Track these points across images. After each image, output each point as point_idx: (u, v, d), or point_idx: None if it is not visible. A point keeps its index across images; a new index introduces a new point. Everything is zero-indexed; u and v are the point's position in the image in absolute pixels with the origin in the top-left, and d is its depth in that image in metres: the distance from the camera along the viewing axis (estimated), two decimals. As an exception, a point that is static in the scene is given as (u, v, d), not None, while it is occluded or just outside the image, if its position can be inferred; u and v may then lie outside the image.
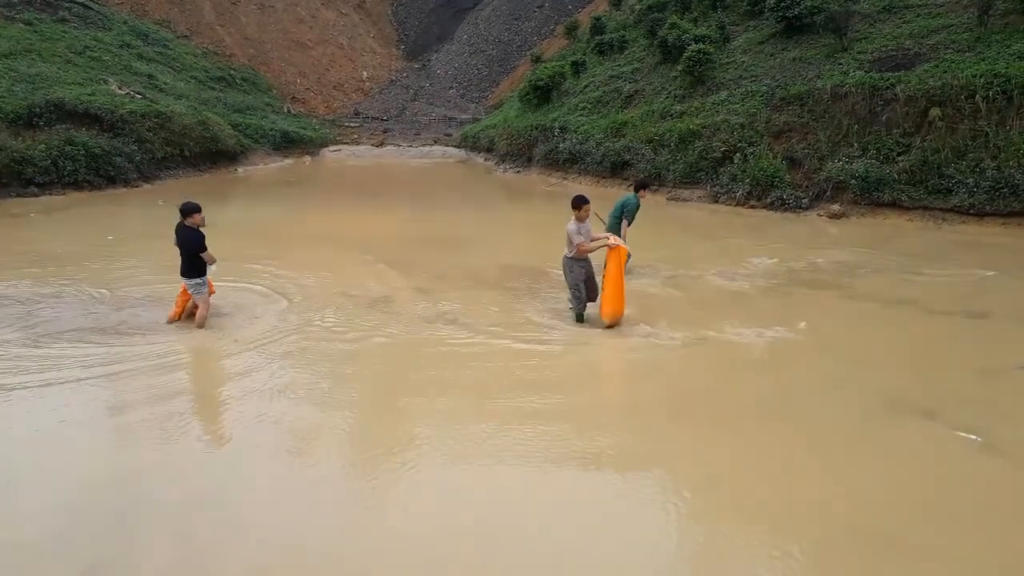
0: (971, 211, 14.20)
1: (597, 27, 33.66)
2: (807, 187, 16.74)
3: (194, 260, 7.73)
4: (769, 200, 16.95)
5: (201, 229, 7.76)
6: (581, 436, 5.37)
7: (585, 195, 7.94)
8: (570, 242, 7.79)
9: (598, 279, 8.17)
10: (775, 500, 4.50)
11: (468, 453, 5.11)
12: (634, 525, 4.30)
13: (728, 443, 5.32)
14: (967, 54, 16.23)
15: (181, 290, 7.96)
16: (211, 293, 8.08)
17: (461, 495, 4.58)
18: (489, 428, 5.46)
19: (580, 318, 7.98)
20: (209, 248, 7.72)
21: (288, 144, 33.10)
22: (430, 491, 4.63)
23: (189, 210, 7.76)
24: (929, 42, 17.40)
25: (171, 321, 7.95)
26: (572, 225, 7.80)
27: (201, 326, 7.78)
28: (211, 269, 7.94)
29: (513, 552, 3.99)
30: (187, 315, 8.00)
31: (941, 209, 14.67)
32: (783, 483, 4.72)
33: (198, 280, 7.78)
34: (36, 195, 18.71)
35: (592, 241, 7.91)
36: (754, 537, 4.14)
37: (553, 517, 4.34)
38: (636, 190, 10.37)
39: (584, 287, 7.95)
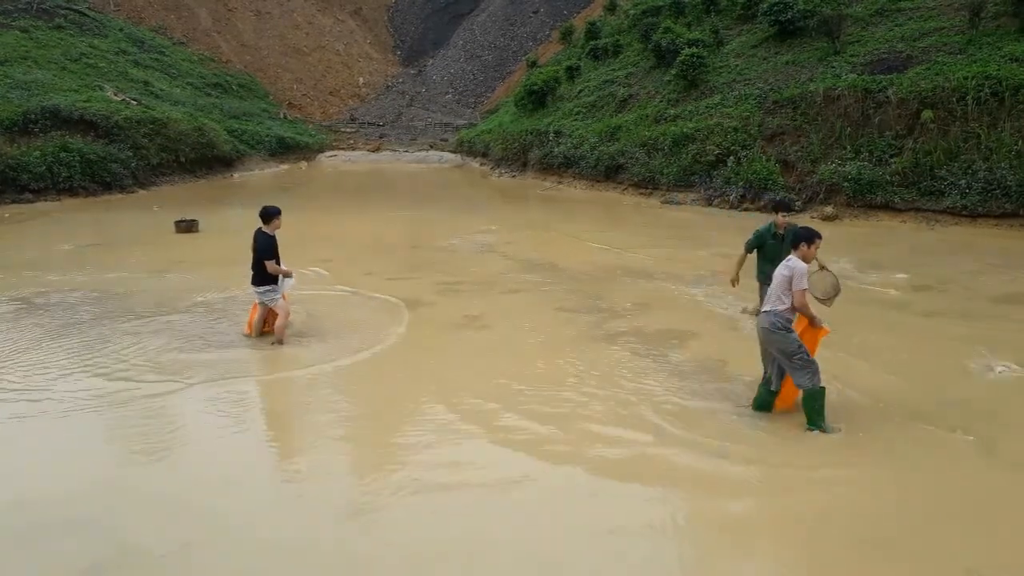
0: (964, 212, 14.24)
1: (592, 32, 33.83)
2: (800, 190, 16.79)
3: (263, 268, 7.23)
4: (763, 203, 16.99)
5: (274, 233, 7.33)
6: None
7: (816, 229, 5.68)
8: (786, 288, 5.35)
9: None
10: (776, 503, 4.51)
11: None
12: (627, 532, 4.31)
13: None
14: (958, 56, 16.31)
15: (254, 305, 7.62)
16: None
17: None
18: None
19: (819, 407, 5.29)
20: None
21: (284, 150, 33.21)
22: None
23: (268, 214, 7.28)
24: (921, 45, 17.49)
25: (249, 335, 7.56)
26: (800, 264, 5.36)
27: (281, 340, 7.30)
28: (289, 283, 7.53)
29: None
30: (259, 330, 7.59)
31: (934, 211, 14.72)
32: (783, 485, 4.72)
33: (267, 288, 7.28)
34: (31, 201, 18.75)
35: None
36: (753, 540, 4.13)
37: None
38: (776, 212, 7.73)
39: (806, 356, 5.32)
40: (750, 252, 7.56)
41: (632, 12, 31.43)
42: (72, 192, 19.92)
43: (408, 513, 4.34)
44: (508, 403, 5.85)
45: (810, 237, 5.48)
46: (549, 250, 13.46)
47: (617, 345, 7.38)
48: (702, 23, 25.84)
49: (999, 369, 6.64)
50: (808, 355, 5.29)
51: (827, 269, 6.77)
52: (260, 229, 7.31)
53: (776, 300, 5.37)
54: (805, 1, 20.70)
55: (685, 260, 11.91)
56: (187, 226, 14.43)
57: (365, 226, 16.46)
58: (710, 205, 18.13)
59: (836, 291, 6.58)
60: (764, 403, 5.65)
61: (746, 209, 17.24)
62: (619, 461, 4.94)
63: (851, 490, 4.61)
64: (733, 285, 7.69)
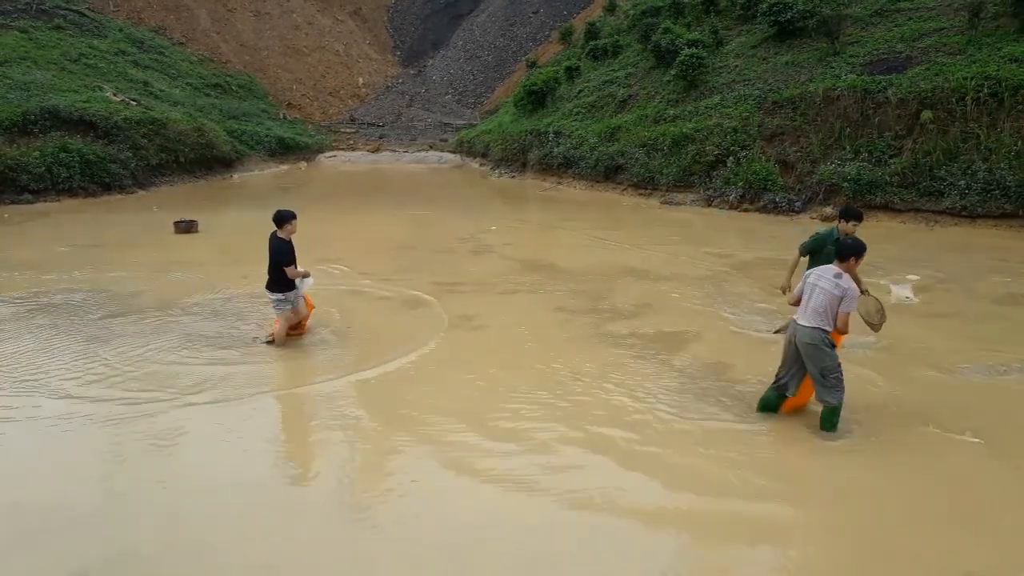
0: (963, 213, 14.25)
1: (591, 32, 33.80)
2: (800, 190, 16.80)
3: (279, 274, 7.12)
4: (762, 203, 17.02)
5: (290, 238, 7.22)
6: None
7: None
8: (832, 306, 5.18)
9: None
10: (781, 506, 4.51)
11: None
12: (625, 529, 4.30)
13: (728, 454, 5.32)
14: (958, 57, 16.32)
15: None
16: (310, 309, 7.62)
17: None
18: None
19: (836, 420, 5.35)
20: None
21: (284, 150, 33.18)
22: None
23: (281, 219, 7.15)
24: (920, 45, 17.50)
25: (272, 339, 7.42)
26: (854, 287, 5.20)
27: (281, 344, 7.28)
28: (308, 283, 7.41)
29: None
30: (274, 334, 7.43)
31: (933, 211, 14.72)
32: (789, 492, 4.71)
33: (279, 296, 7.20)
34: (31, 202, 18.74)
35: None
36: (758, 543, 4.13)
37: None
38: (845, 219, 6.64)
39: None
40: (804, 256, 6.92)
41: (632, 12, 31.40)
42: (71, 193, 19.90)
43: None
44: (500, 417, 5.70)
45: (861, 251, 5.29)
46: (549, 250, 13.47)
47: (619, 348, 7.37)
48: (701, 23, 25.82)
49: (1005, 370, 6.63)
50: (842, 374, 5.27)
51: (869, 292, 6.59)
52: (275, 234, 7.20)
53: (824, 319, 5.20)
54: (805, 2, 20.70)
55: (685, 261, 11.91)
56: (186, 227, 14.42)
57: (364, 226, 16.46)
58: (709, 205, 18.13)
59: (883, 316, 6.45)
60: (771, 406, 5.63)
61: (745, 210, 17.26)
62: (623, 478, 4.82)
63: (858, 493, 4.61)
64: (784, 293, 7.04)
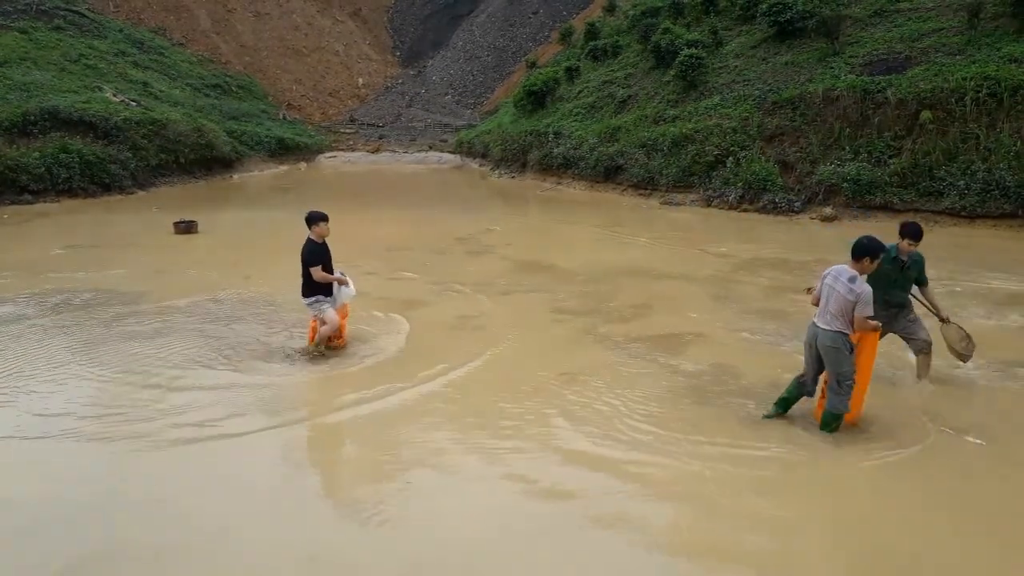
0: (962, 213, 14.26)
1: (591, 33, 33.81)
2: (799, 190, 16.80)
3: (309, 277, 6.86)
4: (762, 204, 17.02)
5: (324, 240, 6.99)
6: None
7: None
8: (847, 310, 5.07)
9: None
10: (787, 514, 4.49)
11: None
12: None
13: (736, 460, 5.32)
14: (957, 57, 16.33)
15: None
16: (344, 317, 7.21)
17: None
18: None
19: (837, 425, 5.33)
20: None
21: (284, 151, 33.18)
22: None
23: (309, 220, 6.92)
24: (920, 45, 17.51)
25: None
26: (868, 290, 5.04)
27: (315, 346, 6.99)
28: (347, 292, 7.07)
29: None
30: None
31: (932, 211, 14.72)
32: (794, 496, 4.71)
33: (311, 299, 6.95)
34: (30, 203, 18.76)
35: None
36: (765, 547, 4.13)
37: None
38: (901, 236, 6.14)
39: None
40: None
41: (631, 13, 31.40)
42: (71, 193, 19.93)
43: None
44: (491, 426, 5.68)
45: (876, 251, 5.11)
46: (549, 251, 13.47)
47: (619, 351, 7.34)
48: (701, 24, 25.82)
49: (1007, 371, 6.62)
50: (854, 382, 5.22)
51: (949, 320, 6.33)
52: (308, 237, 6.99)
53: (842, 323, 5.09)
54: (804, 2, 20.71)
55: (685, 261, 11.91)
56: (186, 227, 14.42)
57: (364, 227, 16.44)
58: (709, 206, 18.13)
59: (969, 344, 6.26)
60: (787, 405, 5.58)
61: (745, 210, 17.26)
62: (622, 484, 4.83)
63: (858, 493, 4.62)
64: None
